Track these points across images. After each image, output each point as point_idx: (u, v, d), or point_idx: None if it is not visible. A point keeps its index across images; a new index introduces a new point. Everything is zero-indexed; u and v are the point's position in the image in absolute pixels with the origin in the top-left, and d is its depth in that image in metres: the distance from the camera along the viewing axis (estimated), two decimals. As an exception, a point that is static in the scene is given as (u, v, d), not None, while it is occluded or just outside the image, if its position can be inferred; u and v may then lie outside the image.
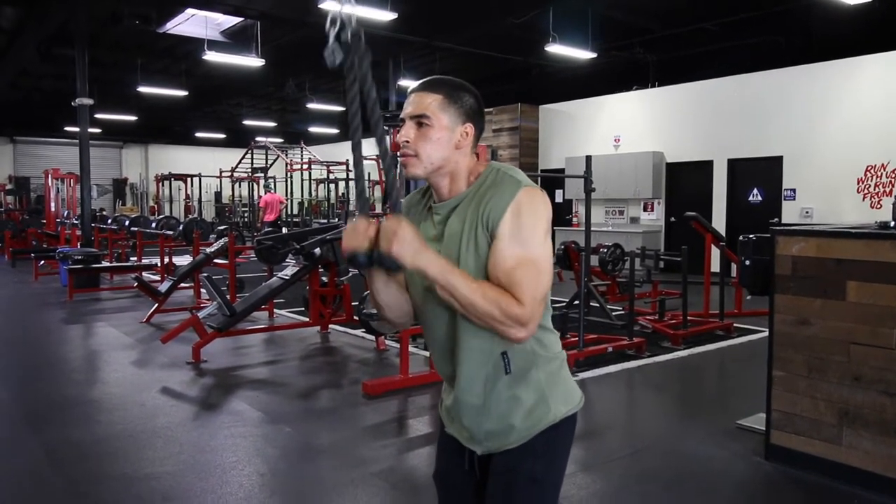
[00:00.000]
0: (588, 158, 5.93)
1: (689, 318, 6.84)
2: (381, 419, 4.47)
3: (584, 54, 11.85)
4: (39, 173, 19.13)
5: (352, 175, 18.58)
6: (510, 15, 11.16)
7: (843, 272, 3.33)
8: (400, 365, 5.15)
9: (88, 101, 11.25)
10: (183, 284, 8.65)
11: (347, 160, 18.16)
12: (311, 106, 17.94)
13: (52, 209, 15.70)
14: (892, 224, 3.56)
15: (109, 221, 14.01)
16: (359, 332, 6.89)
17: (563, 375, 1.60)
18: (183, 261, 10.39)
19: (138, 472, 3.56)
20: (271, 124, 22.84)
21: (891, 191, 9.89)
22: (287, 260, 7.53)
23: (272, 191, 18.62)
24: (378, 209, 16.64)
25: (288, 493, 3.38)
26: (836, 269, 3.36)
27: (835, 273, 3.36)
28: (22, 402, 4.89)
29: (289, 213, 20.11)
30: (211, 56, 12.02)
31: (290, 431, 4.23)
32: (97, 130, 19.93)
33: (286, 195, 20.10)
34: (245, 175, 20.91)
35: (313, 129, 21.86)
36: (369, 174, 19.11)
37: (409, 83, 14.14)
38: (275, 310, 8.10)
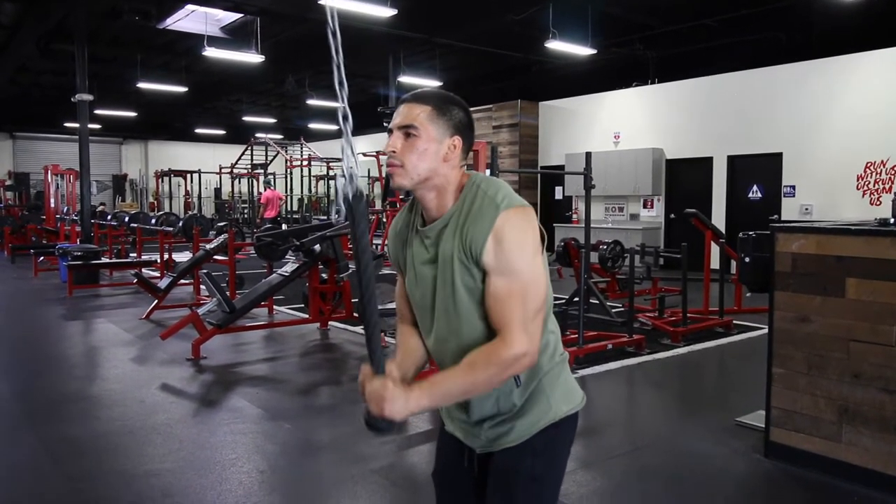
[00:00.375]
0: (588, 155, 5.91)
1: (688, 315, 6.83)
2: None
3: (583, 51, 11.83)
4: (39, 169, 19.12)
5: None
6: (510, 11, 11.15)
7: (843, 269, 3.33)
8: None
9: (88, 97, 11.23)
10: (182, 281, 8.64)
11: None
12: (311, 102, 17.92)
13: (52, 205, 15.69)
14: (892, 221, 3.55)
15: (109, 218, 14.01)
16: (358, 328, 6.89)
17: (563, 375, 1.60)
18: (182, 257, 10.39)
19: (137, 468, 3.56)
20: (271, 121, 22.83)
21: (890, 187, 9.89)
22: (287, 256, 7.52)
23: (272, 187, 18.63)
24: (378, 205, 16.63)
25: (288, 490, 3.38)
26: (835, 265, 3.36)
27: (834, 270, 3.36)
28: (21, 398, 4.89)
29: (288, 209, 20.11)
30: (211, 52, 12.01)
31: (290, 428, 4.23)
32: (97, 126, 19.90)
33: (286, 192, 20.10)
34: (245, 171, 20.90)
35: (313, 126, 21.84)
36: (370, 188, 19.05)
37: (409, 80, 14.13)
38: (274, 306, 8.10)
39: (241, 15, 12.02)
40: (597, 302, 7.01)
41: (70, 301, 9.05)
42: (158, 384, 5.14)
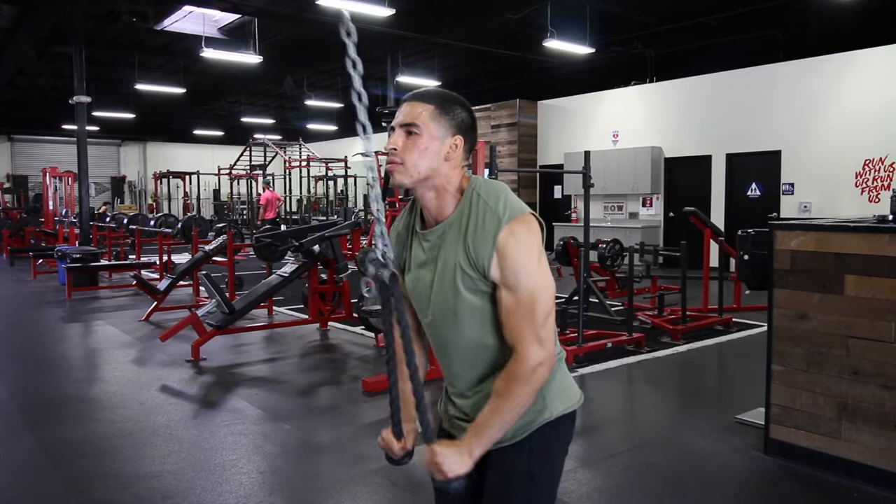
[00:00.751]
0: (587, 154, 5.92)
1: (688, 313, 6.84)
2: (381, 416, 4.46)
3: (582, 49, 11.83)
4: (37, 171, 19.12)
5: (351, 172, 18.59)
6: (508, 10, 11.15)
7: (842, 266, 3.33)
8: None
9: (86, 99, 11.23)
10: (182, 282, 8.64)
11: (346, 157, 18.15)
12: (310, 103, 17.93)
13: (51, 207, 15.68)
14: (891, 218, 3.55)
15: (108, 219, 14.00)
16: (358, 329, 6.90)
17: (559, 374, 1.60)
18: (182, 259, 10.39)
19: (137, 470, 3.55)
20: (269, 121, 22.82)
21: (889, 184, 9.89)
22: (286, 257, 7.52)
23: (271, 188, 18.62)
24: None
25: (288, 491, 3.38)
26: (834, 263, 3.36)
27: (833, 267, 3.36)
28: (21, 400, 4.89)
29: (287, 210, 20.10)
30: (209, 53, 12.00)
31: (290, 429, 4.23)
32: (95, 128, 19.90)
33: (285, 193, 20.08)
34: (243, 172, 20.89)
35: (311, 126, 21.84)
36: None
37: (407, 79, 14.12)
38: (274, 307, 8.10)
39: (239, 16, 12.02)
40: (596, 301, 7.01)
41: (69, 303, 9.05)
42: (158, 386, 5.14)
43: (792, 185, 11.06)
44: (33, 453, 3.85)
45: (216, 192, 24.15)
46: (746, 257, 4.75)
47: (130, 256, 12.91)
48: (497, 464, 1.57)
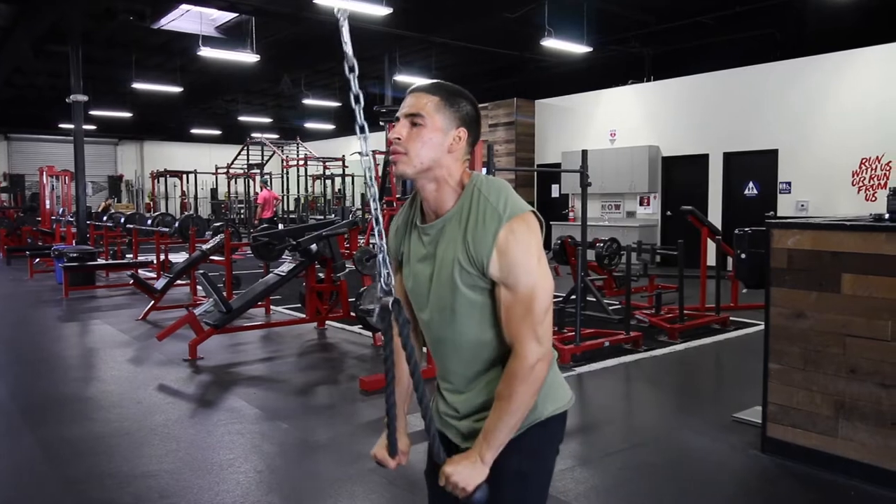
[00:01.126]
0: (584, 153, 5.91)
1: (685, 311, 6.85)
2: (379, 415, 4.46)
3: (579, 48, 11.84)
4: (34, 170, 19.08)
5: (348, 171, 18.57)
6: (505, 9, 11.16)
7: (839, 265, 3.34)
8: (397, 360, 5.13)
9: (83, 98, 11.21)
10: (179, 281, 8.62)
11: (343, 156, 18.13)
12: (307, 102, 17.92)
13: (48, 206, 15.65)
14: (887, 216, 3.56)
15: (105, 218, 13.98)
16: (355, 328, 6.89)
17: (552, 374, 1.59)
18: (179, 258, 10.38)
19: (135, 469, 3.55)
20: (267, 120, 22.80)
21: (885, 183, 9.91)
22: (283, 256, 7.52)
23: (269, 187, 18.60)
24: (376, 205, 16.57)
25: (285, 490, 3.38)
26: (831, 261, 3.37)
27: (830, 266, 3.37)
28: (18, 399, 4.88)
29: (285, 209, 20.09)
30: (206, 52, 11.98)
31: (288, 428, 4.23)
32: (92, 127, 19.87)
33: (282, 191, 20.06)
34: (241, 171, 20.87)
35: (309, 125, 21.83)
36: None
37: (404, 78, 14.12)
38: (271, 306, 8.10)
39: (236, 14, 12.00)
40: (594, 299, 7.02)
41: (66, 303, 9.04)
42: (155, 385, 5.13)
43: (789, 183, 11.08)
44: (31, 452, 3.84)
45: (213, 192, 24.12)
46: (743, 256, 4.76)
47: (128, 255, 12.89)
48: None
